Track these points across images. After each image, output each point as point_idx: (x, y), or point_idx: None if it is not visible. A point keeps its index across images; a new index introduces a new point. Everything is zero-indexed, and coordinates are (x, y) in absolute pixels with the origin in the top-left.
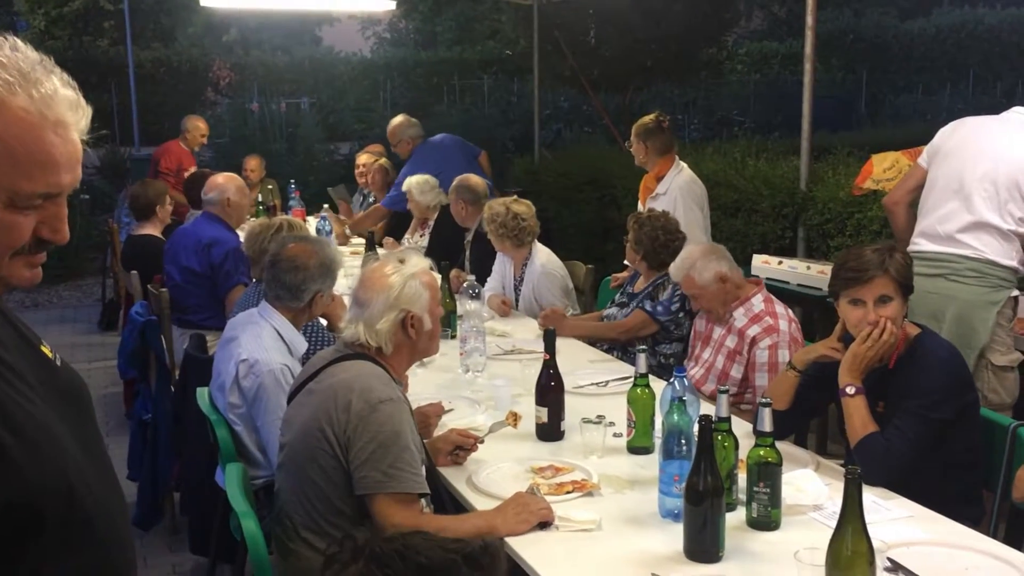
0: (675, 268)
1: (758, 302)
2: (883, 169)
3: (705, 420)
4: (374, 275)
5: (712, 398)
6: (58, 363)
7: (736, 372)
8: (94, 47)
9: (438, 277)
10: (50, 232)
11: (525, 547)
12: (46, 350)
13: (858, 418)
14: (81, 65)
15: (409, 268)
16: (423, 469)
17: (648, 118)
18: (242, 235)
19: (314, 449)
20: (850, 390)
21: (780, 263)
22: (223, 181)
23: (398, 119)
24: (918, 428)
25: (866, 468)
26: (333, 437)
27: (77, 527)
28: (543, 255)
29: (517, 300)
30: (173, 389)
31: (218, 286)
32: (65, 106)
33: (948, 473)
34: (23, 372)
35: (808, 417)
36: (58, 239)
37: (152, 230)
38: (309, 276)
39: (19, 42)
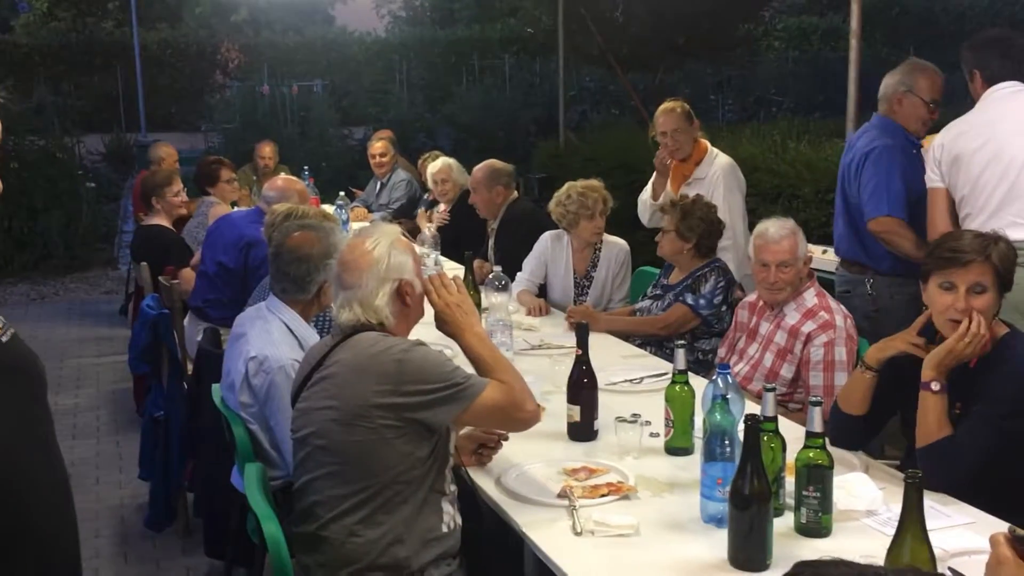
0: (779, 227)
1: (810, 296)
2: None
3: (752, 420)
4: (355, 254)
5: (758, 398)
6: (4, 339)
7: (787, 372)
8: (98, 29)
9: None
10: None
11: (560, 554)
12: None
13: (934, 417)
14: (85, 47)
15: (386, 238)
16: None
17: (676, 103)
18: None
19: (357, 431)
20: (935, 386)
21: (824, 252)
22: (284, 185)
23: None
24: (990, 436)
25: (931, 473)
26: (380, 411)
27: None
28: (611, 236)
29: (578, 292)
30: (186, 386)
31: (248, 289)
32: None
33: (1018, 484)
34: None
35: (886, 419)
36: None
37: (161, 220)
38: (314, 267)
39: None
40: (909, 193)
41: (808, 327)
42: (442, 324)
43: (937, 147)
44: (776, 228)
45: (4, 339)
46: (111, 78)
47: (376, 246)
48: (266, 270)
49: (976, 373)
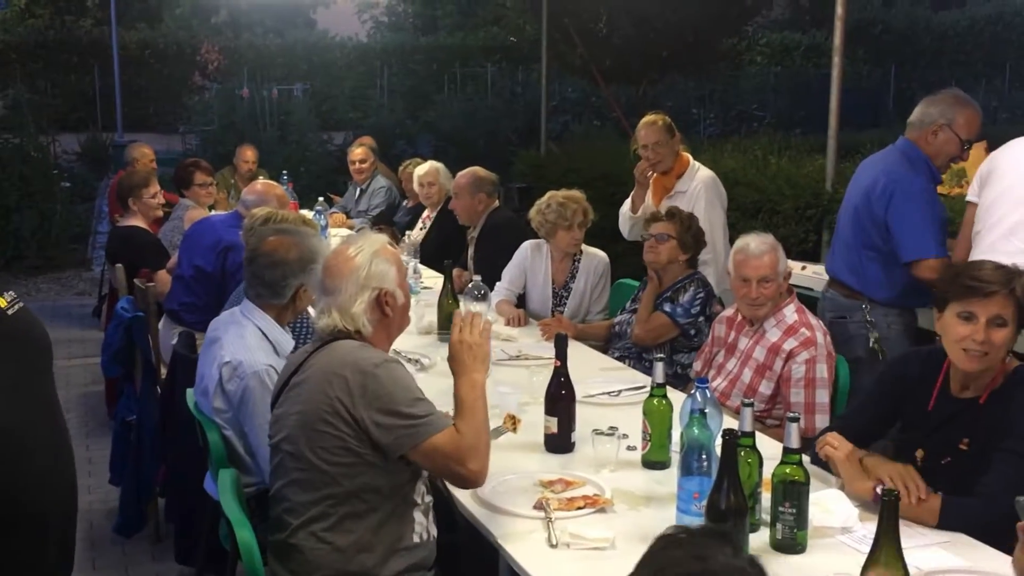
0: (760, 242)
1: (791, 313)
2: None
3: (729, 435)
4: (337, 260)
5: (735, 413)
6: (11, 312)
7: (765, 388)
8: (77, 27)
9: (400, 251)
10: None
11: (535, 566)
12: (0, 300)
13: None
14: (63, 46)
15: (370, 246)
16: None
17: (658, 116)
18: None
19: (319, 437)
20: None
21: (803, 268)
22: (263, 190)
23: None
24: (1021, 473)
25: (962, 523)
26: (341, 421)
27: None
28: (592, 248)
29: (556, 303)
30: (160, 390)
31: (226, 293)
32: None
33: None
34: None
35: (887, 429)
36: None
37: (137, 221)
38: (289, 271)
39: None
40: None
41: (789, 344)
42: (450, 358)
43: (986, 161)
44: (757, 243)
45: (11, 311)
46: (88, 77)
47: (359, 253)
48: (243, 275)
49: (987, 407)
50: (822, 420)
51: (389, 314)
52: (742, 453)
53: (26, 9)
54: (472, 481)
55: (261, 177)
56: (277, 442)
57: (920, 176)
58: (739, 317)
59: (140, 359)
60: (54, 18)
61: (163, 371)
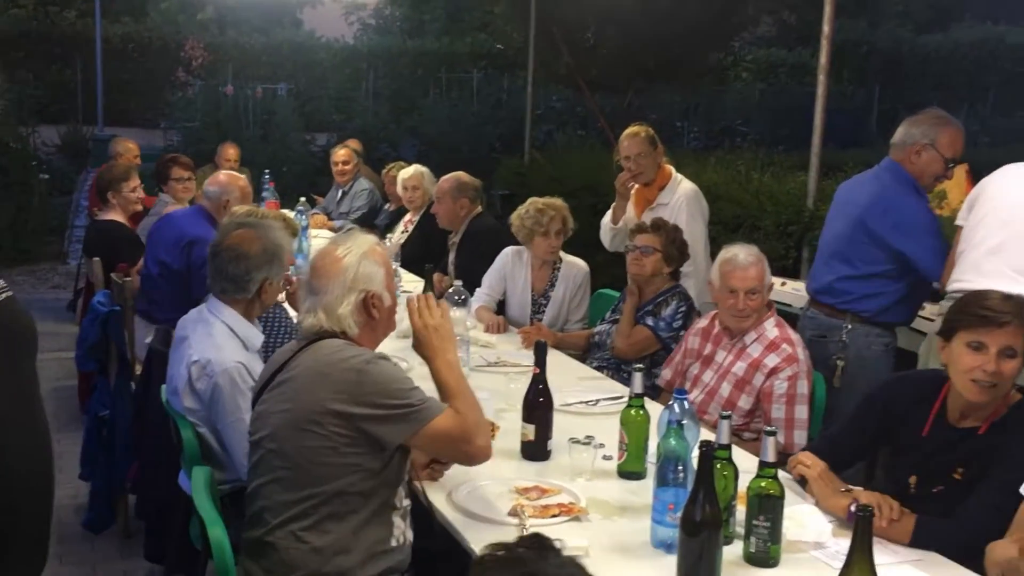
0: (747, 253)
1: (771, 327)
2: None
3: (706, 446)
4: (325, 260)
5: (711, 427)
6: None
7: (744, 403)
8: (60, 19)
9: (385, 250)
10: None
11: None
12: None
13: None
14: (45, 37)
15: (359, 247)
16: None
17: (641, 127)
18: None
19: (307, 437)
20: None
21: (783, 284)
22: (226, 181)
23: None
24: (1005, 502)
25: (937, 543)
26: (331, 421)
27: None
28: (572, 257)
29: (535, 310)
30: (134, 385)
31: (192, 288)
32: None
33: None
34: None
35: (875, 450)
36: None
37: (116, 215)
38: (253, 264)
39: None
40: None
41: (772, 360)
42: (418, 344)
43: (977, 185)
44: (745, 254)
45: None
46: (70, 69)
47: (347, 254)
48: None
49: (986, 438)
50: (801, 436)
51: (375, 316)
52: (718, 465)
53: None
54: (479, 456)
55: (243, 175)
56: (259, 439)
57: (915, 197)
58: (715, 329)
59: (115, 354)
60: (38, 8)
61: (138, 367)
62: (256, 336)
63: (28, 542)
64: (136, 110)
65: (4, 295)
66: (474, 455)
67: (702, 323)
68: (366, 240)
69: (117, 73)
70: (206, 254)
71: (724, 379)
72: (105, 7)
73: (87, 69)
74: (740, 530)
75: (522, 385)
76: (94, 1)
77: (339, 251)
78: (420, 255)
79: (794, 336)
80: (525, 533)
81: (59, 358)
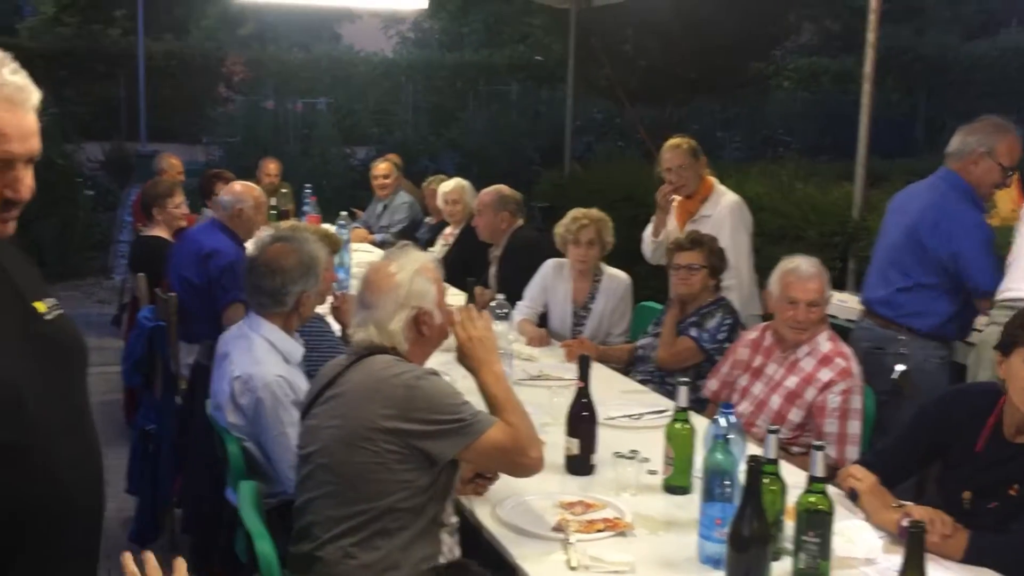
0: (809, 264)
1: (824, 341)
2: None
3: (754, 461)
4: (378, 276)
5: (760, 440)
6: (48, 317)
7: (794, 416)
8: (104, 36)
9: (440, 269)
10: (12, 192)
11: None
12: (39, 305)
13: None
14: (90, 54)
15: (412, 264)
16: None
17: (683, 139)
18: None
19: (357, 453)
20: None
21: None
22: (241, 190)
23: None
24: None
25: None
26: (383, 437)
27: (4, 448)
28: (613, 269)
29: (575, 323)
30: (179, 400)
31: (216, 300)
32: (13, 89)
33: None
34: None
35: (922, 467)
36: (18, 198)
37: (160, 231)
38: (289, 278)
39: None
40: None
41: (825, 374)
42: (462, 357)
43: None
44: (807, 265)
45: (48, 317)
46: (114, 86)
47: (400, 271)
48: (228, 278)
49: None
50: (853, 451)
51: (426, 333)
52: (766, 480)
53: (55, 17)
54: (534, 468)
55: (284, 190)
56: (308, 453)
57: (972, 208)
58: (766, 341)
59: (160, 369)
60: (82, 27)
61: (182, 383)
62: (296, 349)
63: (79, 554)
64: (178, 126)
65: (56, 312)
66: (529, 466)
67: (752, 335)
68: (419, 257)
69: (159, 89)
70: (223, 264)
71: (774, 392)
72: (148, 24)
73: (130, 86)
74: (789, 546)
75: (565, 399)
76: (137, 19)
77: (392, 267)
78: (460, 268)
79: (847, 350)
80: (570, 548)
81: (104, 372)
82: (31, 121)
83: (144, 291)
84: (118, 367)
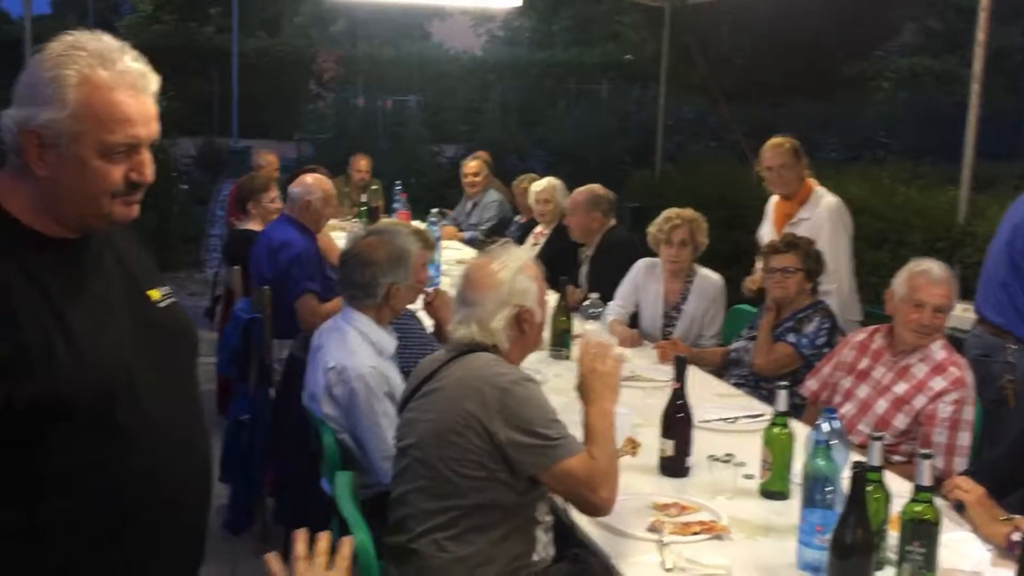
0: (940, 268)
1: (937, 349)
2: None
3: (859, 468)
4: (480, 273)
5: (859, 445)
6: (162, 305)
7: (900, 423)
8: (199, 34)
9: (541, 268)
10: (137, 175)
11: None
12: (153, 293)
13: None
14: (184, 52)
15: (514, 262)
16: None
17: (785, 138)
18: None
19: (450, 448)
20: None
21: None
22: (311, 182)
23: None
24: None
25: None
26: (475, 435)
27: (116, 429)
28: (706, 270)
29: (666, 323)
30: (273, 391)
31: (287, 291)
32: (136, 75)
33: None
34: (110, 301)
35: None
36: (143, 180)
37: (254, 225)
38: (379, 270)
39: (104, 35)
40: None
41: (937, 383)
42: (581, 386)
43: None
44: (938, 268)
45: (161, 304)
46: (207, 82)
47: (503, 269)
48: (297, 269)
49: None
50: (961, 463)
51: (526, 331)
52: (870, 488)
53: (152, 15)
54: (601, 509)
55: (374, 186)
56: (405, 446)
57: None
58: (875, 344)
59: (255, 360)
60: (178, 24)
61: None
62: (389, 342)
63: (190, 538)
64: (269, 122)
65: (168, 300)
66: (597, 505)
67: (859, 336)
68: (521, 255)
69: (251, 86)
70: (292, 256)
71: (881, 396)
72: (241, 22)
73: (223, 82)
74: (892, 556)
75: (658, 400)
76: (231, 16)
77: (494, 265)
78: (550, 268)
79: (961, 360)
80: (665, 549)
81: (198, 363)
82: (152, 106)
83: (239, 284)
84: (211, 358)
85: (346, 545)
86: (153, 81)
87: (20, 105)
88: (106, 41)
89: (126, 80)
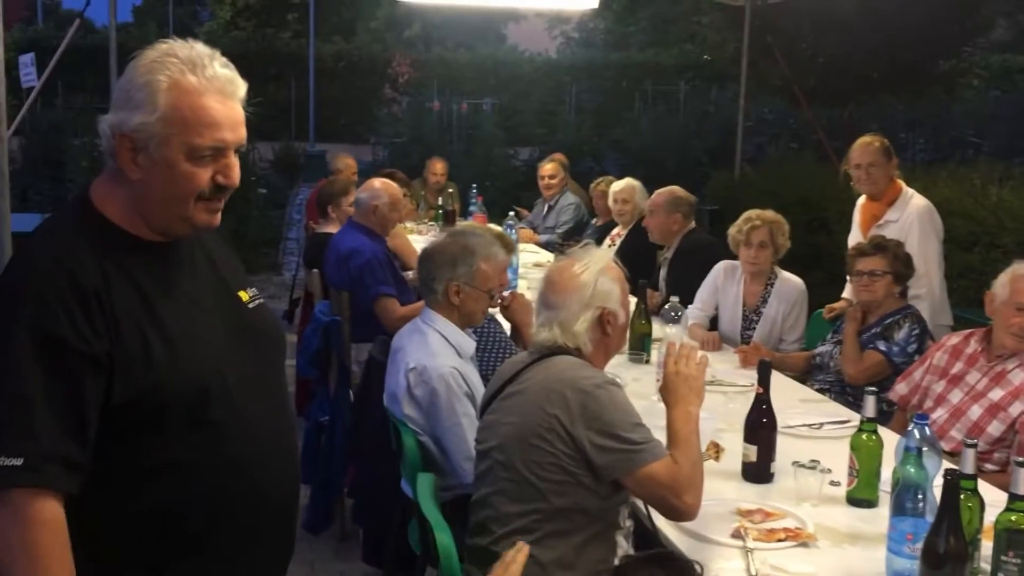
0: None
1: None
2: None
3: (952, 475)
4: (562, 276)
5: (950, 452)
6: (251, 306)
7: (994, 430)
8: (276, 39)
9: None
10: (224, 178)
11: None
12: (243, 294)
13: None
14: (262, 57)
15: (596, 264)
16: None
17: (875, 137)
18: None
19: (532, 451)
20: None
21: None
22: (379, 187)
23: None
24: None
25: None
26: (557, 438)
27: (210, 426)
28: (788, 274)
29: (745, 326)
30: (352, 393)
31: (358, 296)
32: (224, 81)
33: None
34: (202, 301)
35: None
36: (229, 183)
37: (333, 228)
38: (435, 265)
39: (196, 43)
40: None
41: None
42: (664, 389)
43: None
44: None
45: (251, 305)
46: (284, 87)
47: (585, 271)
48: (368, 276)
49: None
50: None
51: (610, 333)
52: (963, 496)
53: (231, 22)
54: (686, 514)
55: (450, 190)
56: (487, 449)
57: None
58: (970, 348)
59: (335, 362)
60: (256, 30)
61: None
62: (468, 344)
63: (279, 533)
64: (345, 126)
65: (257, 301)
66: (681, 510)
67: (954, 340)
68: (603, 256)
69: (327, 90)
70: (362, 263)
71: (975, 402)
72: (318, 27)
73: (300, 87)
74: (986, 566)
75: (740, 405)
76: (308, 22)
77: (576, 267)
78: (628, 270)
79: None
80: (750, 556)
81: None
82: (239, 111)
83: (318, 286)
84: (290, 360)
85: (520, 554)
86: (241, 87)
87: (115, 110)
88: (197, 48)
89: (214, 85)
